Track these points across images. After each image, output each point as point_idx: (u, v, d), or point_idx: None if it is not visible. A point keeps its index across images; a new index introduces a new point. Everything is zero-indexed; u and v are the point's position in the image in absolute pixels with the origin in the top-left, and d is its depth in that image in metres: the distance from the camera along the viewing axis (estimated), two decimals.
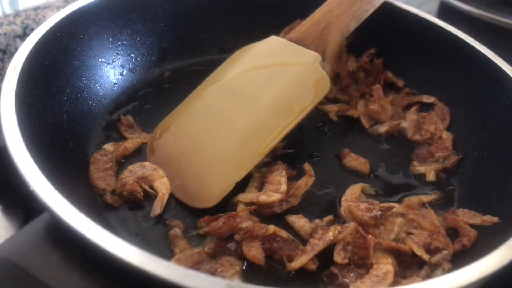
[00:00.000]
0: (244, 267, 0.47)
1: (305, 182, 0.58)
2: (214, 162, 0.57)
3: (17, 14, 0.84)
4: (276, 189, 0.54)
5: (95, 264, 0.36)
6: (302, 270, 0.48)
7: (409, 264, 0.49)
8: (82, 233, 0.36)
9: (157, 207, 0.53)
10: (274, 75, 0.62)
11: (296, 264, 0.47)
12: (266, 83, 0.61)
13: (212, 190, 0.55)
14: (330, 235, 0.49)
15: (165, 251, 0.49)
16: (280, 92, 0.60)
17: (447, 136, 0.65)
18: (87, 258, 0.37)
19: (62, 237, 0.38)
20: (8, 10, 0.84)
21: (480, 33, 0.70)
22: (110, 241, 0.36)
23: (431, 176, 0.61)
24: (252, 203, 0.54)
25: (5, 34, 0.81)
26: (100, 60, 0.68)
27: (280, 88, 0.61)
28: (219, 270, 0.45)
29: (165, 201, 0.54)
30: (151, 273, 0.34)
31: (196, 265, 0.46)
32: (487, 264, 0.40)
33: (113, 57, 0.70)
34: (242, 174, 0.55)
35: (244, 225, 0.49)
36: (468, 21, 0.89)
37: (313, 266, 0.48)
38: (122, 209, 0.53)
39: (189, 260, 0.46)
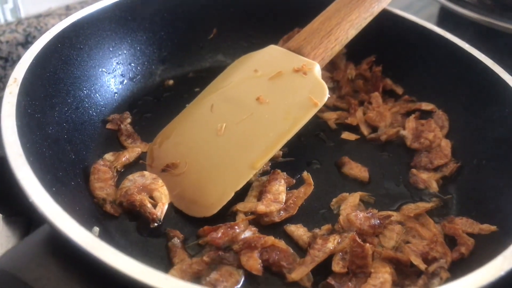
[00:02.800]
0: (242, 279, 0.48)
1: (304, 191, 0.58)
2: (213, 171, 0.57)
3: (19, 22, 0.84)
4: (275, 198, 0.55)
5: (94, 276, 0.37)
6: (297, 284, 0.48)
7: (407, 273, 0.49)
8: (81, 246, 0.36)
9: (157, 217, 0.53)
10: (272, 84, 0.63)
11: (297, 275, 0.47)
12: (264, 92, 0.62)
13: (211, 199, 0.55)
14: (329, 246, 0.49)
15: (165, 261, 0.49)
16: (278, 101, 0.61)
17: (446, 143, 0.66)
18: (86, 270, 0.37)
19: (61, 249, 0.38)
20: (10, 18, 0.84)
21: (480, 38, 0.70)
22: (109, 253, 0.36)
23: (433, 187, 0.61)
24: (251, 212, 0.54)
25: (7, 42, 0.81)
26: (100, 69, 0.68)
27: (278, 97, 0.61)
28: (220, 280, 0.45)
29: (164, 211, 0.54)
30: (150, 286, 0.35)
31: (195, 275, 0.46)
32: (484, 275, 0.40)
33: (114, 66, 0.70)
34: (241, 183, 0.56)
35: (243, 235, 0.49)
36: (468, 26, 0.89)
37: (308, 283, 0.48)
38: (122, 218, 0.54)
39: (188, 271, 0.46)
